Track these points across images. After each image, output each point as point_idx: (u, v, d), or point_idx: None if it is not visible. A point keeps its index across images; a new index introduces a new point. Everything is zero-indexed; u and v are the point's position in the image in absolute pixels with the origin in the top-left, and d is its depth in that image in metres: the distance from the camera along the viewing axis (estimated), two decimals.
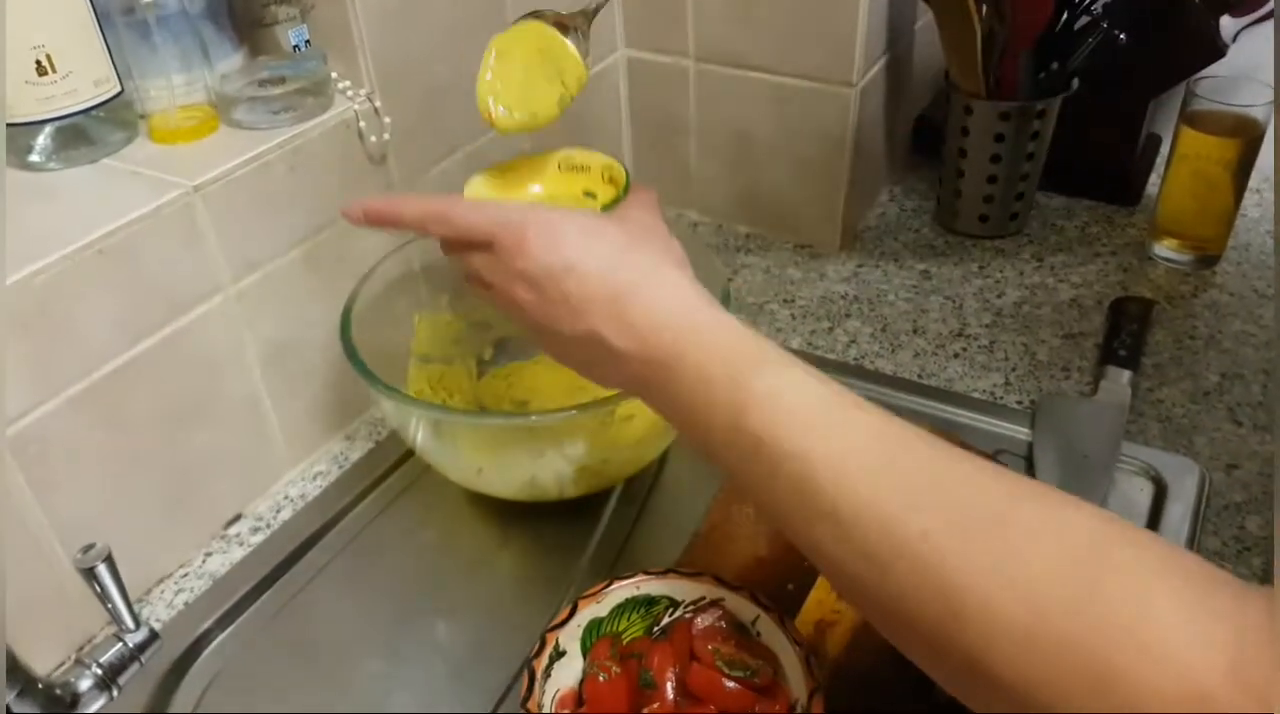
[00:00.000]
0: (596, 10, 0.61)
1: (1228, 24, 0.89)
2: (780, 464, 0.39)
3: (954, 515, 0.35)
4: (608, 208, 0.55)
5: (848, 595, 0.40)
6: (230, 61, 0.66)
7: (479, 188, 0.63)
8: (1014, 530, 0.34)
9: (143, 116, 0.65)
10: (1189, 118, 0.85)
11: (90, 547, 0.52)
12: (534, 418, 0.64)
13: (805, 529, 0.39)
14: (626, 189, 0.57)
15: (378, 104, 0.69)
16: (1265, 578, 0.61)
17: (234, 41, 0.66)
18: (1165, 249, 0.90)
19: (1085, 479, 0.66)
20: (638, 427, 0.65)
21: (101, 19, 0.61)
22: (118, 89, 0.63)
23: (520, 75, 0.60)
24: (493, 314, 0.78)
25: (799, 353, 0.80)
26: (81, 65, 0.60)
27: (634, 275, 0.46)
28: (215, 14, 0.65)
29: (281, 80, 0.65)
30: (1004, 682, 0.32)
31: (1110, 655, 0.30)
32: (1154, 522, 0.65)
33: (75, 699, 0.51)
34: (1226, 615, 0.30)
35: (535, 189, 0.65)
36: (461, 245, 0.51)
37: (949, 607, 0.33)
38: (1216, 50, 0.89)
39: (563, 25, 0.60)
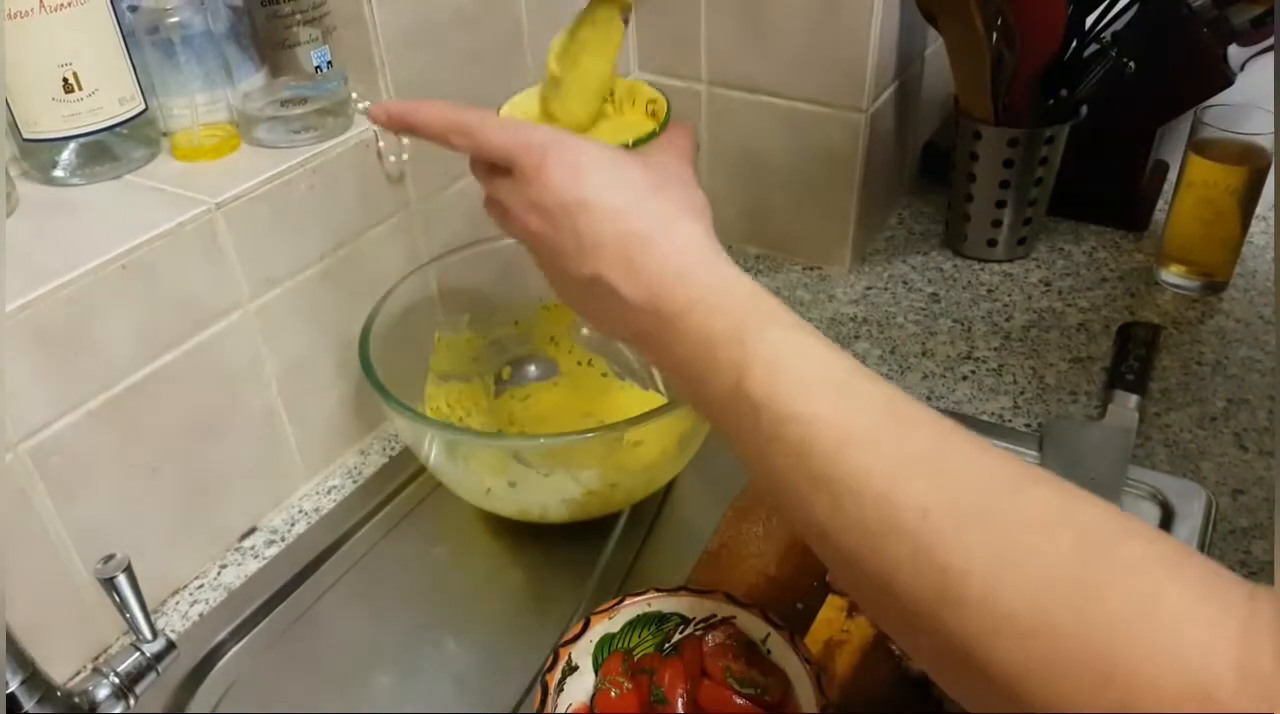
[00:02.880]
0: None
1: (1235, 53, 0.90)
2: (780, 427, 0.37)
3: (958, 497, 0.34)
4: (640, 142, 0.52)
5: (838, 569, 0.38)
6: (252, 81, 0.67)
7: (516, 108, 0.58)
8: (1020, 519, 0.33)
9: (165, 134, 0.67)
10: (1197, 146, 0.85)
11: (110, 557, 0.52)
12: (543, 441, 0.64)
13: (800, 497, 0.37)
14: (663, 126, 0.53)
15: None
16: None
17: (256, 62, 0.67)
18: (1172, 275, 0.91)
19: None
20: (647, 452, 0.65)
21: (127, 38, 0.62)
22: (142, 107, 0.64)
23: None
24: (509, 333, 0.79)
25: None
26: (107, 83, 0.62)
27: (650, 221, 0.44)
28: (238, 34, 0.66)
29: (303, 100, 0.66)
30: (995, 672, 0.31)
31: (1113, 652, 0.29)
32: None
33: (93, 707, 0.52)
34: (1235, 614, 0.30)
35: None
36: (485, 166, 0.49)
37: (944, 592, 0.32)
38: (1224, 79, 0.90)
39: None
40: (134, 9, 0.63)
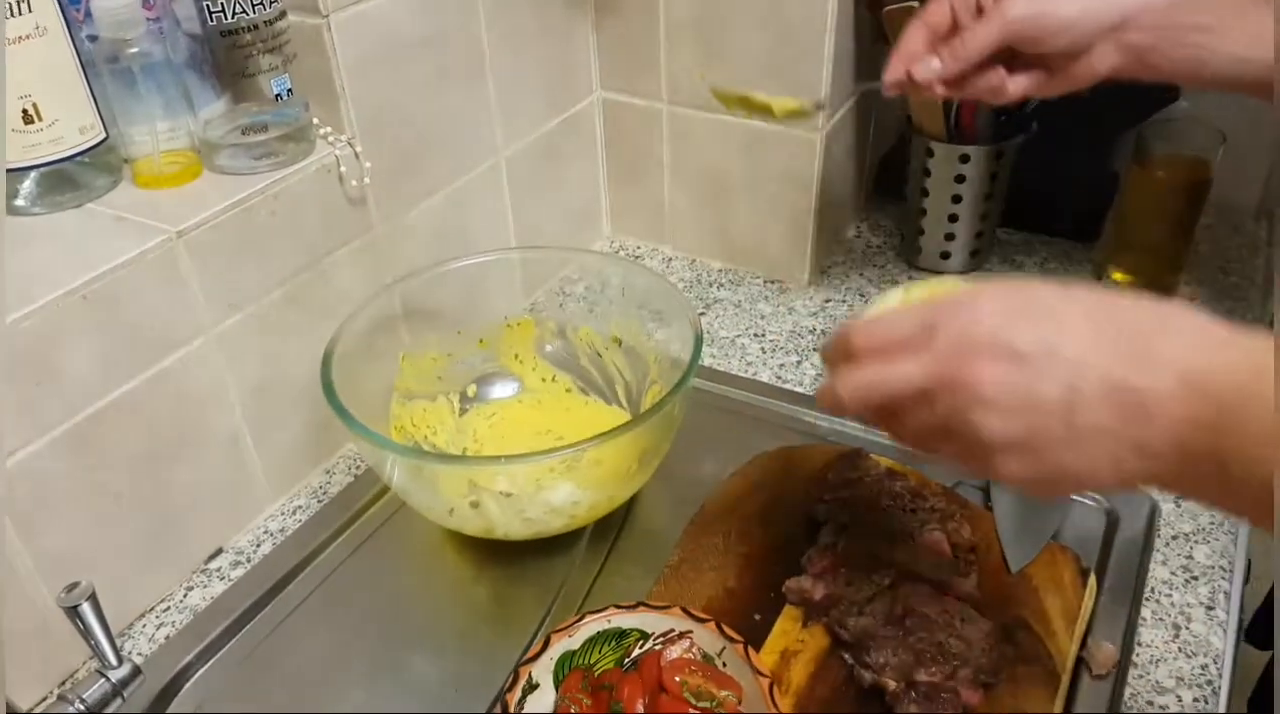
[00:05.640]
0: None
1: None
2: None
3: None
4: None
5: None
6: (213, 109, 0.68)
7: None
8: None
9: (127, 161, 0.67)
10: (1141, 159, 0.88)
11: (74, 585, 0.53)
12: (504, 461, 0.66)
13: None
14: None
15: (358, 149, 0.71)
16: (1211, 605, 0.64)
17: (217, 89, 0.68)
18: (1120, 284, 0.93)
19: (1040, 510, 0.69)
20: (608, 469, 0.66)
21: (87, 67, 0.63)
22: (102, 136, 0.64)
23: None
24: (474, 351, 0.80)
25: (768, 386, 0.84)
26: (67, 113, 0.62)
27: (1125, 312, 0.40)
28: (198, 63, 0.67)
29: (264, 127, 0.67)
30: None
31: None
32: (1105, 551, 0.67)
33: None
34: None
35: None
36: (874, 352, 0.44)
37: None
38: (1169, 94, 0.93)
39: None
40: (93, 39, 0.63)
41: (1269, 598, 0.73)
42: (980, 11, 0.64)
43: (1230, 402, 0.37)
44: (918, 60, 0.65)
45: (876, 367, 0.44)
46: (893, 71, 0.66)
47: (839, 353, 0.46)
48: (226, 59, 0.65)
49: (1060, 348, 0.40)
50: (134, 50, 0.63)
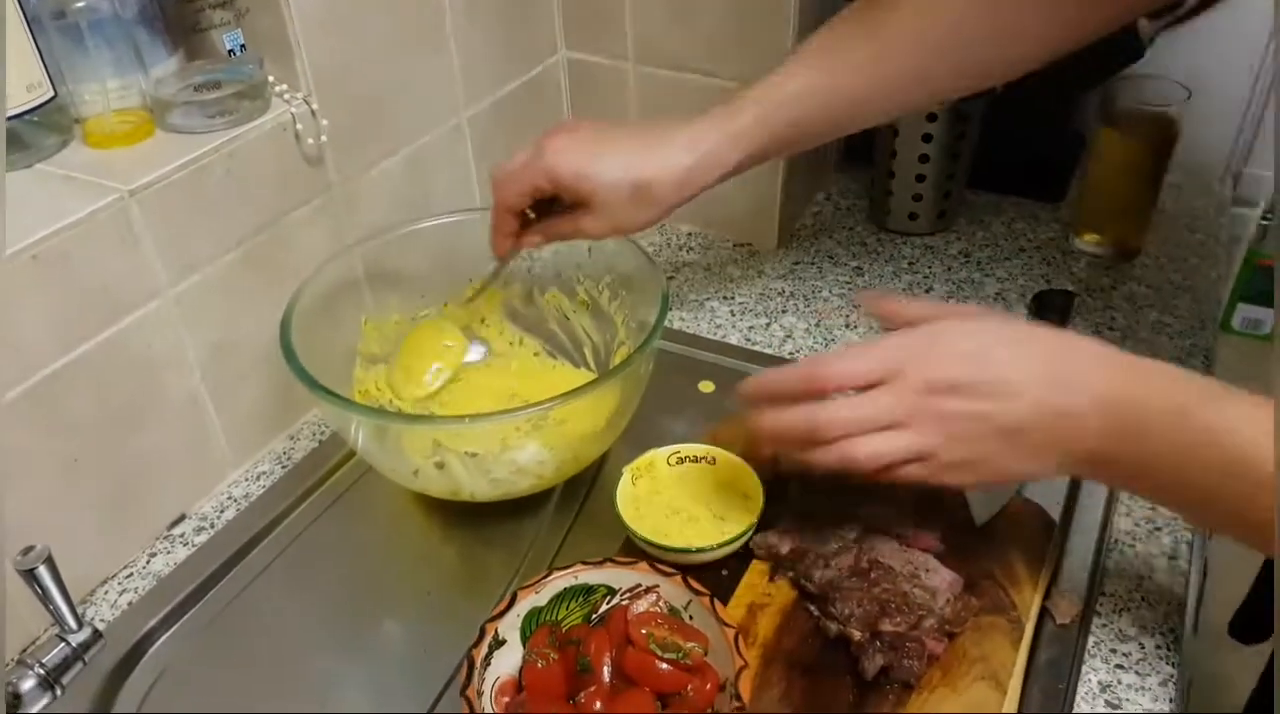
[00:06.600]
0: (479, 293, 0.74)
1: (1145, 26, 0.92)
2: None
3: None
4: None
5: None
6: (165, 66, 0.66)
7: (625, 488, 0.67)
8: None
9: (78, 121, 0.66)
10: (1108, 117, 0.88)
11: (30, 549, 0.52)
12: (468, 421, 0.65)
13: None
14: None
15: (315, 106, 0.70)
16: (1173, 555, 0.65)
17: (168, 46, 0.66)
18: (1087, 243, 0.94)
19: None
20: (575, 430, 0.66)
21: (32, 23, 0.61)
22: (50, 94, 0.63)
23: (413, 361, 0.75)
24: (439, 315, 0.79)
25: (737, 348, 0.84)
26: (12, 70, 0.60)
27: (1043, 343, 0.52)
28: (149, 18, 0.65)
29: (217, 85, 0.65)
30: None
31: None
32: (1070, 504, 0.67)
33: (18, 699, 0.52)
34: None
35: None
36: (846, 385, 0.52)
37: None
38: (1135, 52, 0.93)
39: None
40: None
41: (1251, 593, 0.74)
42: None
43: (1133, 421, 0.49)
44: (515, 238, 0.70)
45: (856, 399, 0.51)
46: (500, 249, 0.70)
47: (798, 389, 0.53)
48: (177, 14, 0.64)
49: (1005, 385, 0.50)
50: (81, 5, 0.61)
